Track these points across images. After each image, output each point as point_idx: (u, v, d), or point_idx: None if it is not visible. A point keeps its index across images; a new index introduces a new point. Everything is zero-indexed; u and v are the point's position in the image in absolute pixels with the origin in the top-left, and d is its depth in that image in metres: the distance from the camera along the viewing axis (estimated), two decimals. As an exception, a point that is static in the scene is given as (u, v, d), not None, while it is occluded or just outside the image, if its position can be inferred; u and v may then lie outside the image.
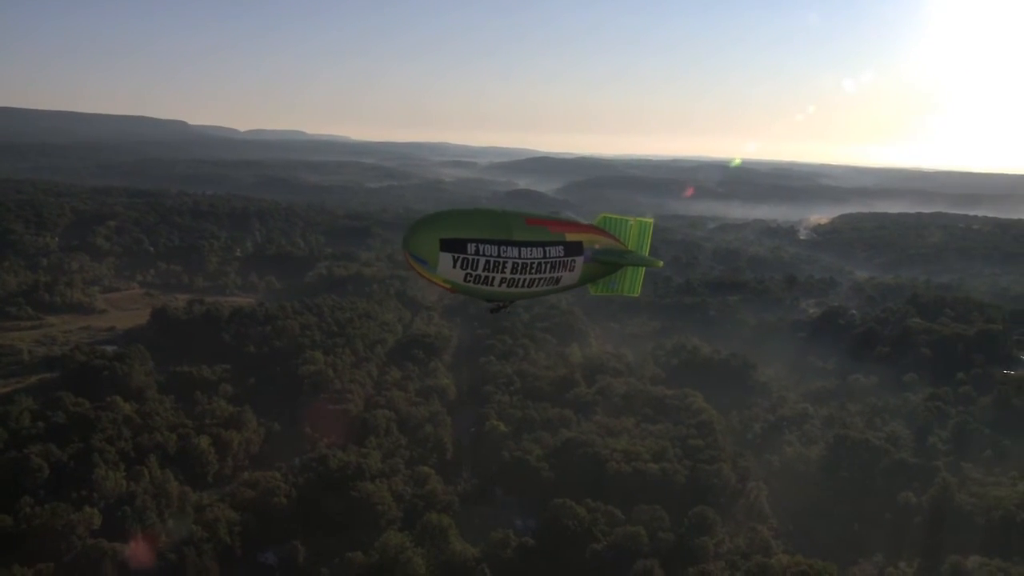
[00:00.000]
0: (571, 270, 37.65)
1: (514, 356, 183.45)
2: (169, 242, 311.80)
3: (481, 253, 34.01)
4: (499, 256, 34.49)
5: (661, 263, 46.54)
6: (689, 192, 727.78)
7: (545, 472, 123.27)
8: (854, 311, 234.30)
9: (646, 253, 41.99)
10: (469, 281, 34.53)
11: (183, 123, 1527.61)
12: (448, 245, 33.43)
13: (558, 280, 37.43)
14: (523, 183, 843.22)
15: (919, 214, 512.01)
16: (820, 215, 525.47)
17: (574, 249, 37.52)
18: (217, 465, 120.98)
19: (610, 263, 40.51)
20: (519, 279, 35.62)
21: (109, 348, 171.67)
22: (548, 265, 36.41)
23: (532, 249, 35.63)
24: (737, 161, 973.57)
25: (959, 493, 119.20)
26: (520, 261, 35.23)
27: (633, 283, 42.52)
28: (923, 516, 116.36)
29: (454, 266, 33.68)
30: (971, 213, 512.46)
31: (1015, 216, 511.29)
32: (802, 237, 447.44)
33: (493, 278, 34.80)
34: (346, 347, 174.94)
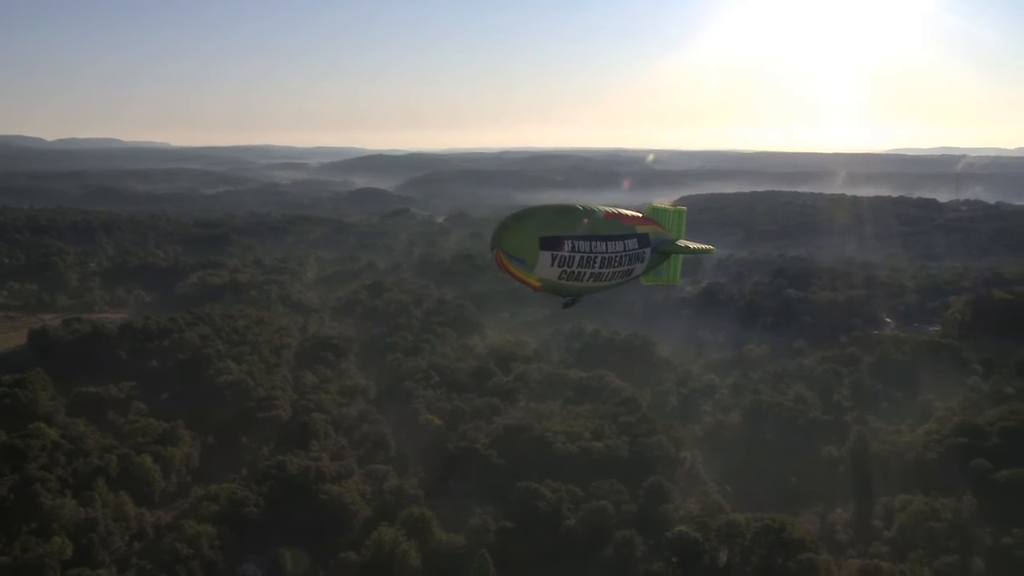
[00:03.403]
0: (642, 261, 38.59)
1: (421, 351, 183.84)
2: (14, 260, 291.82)
3: (577, 250, 34.44)
4: (591, 252, 35.03)
5: (714, 249, 48.99)
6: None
7: (495, 459, 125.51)
8: (730, 286, 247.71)
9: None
10: (563, 278, 34.85)
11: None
12: (547, 243, 33.66)
13: (631, 272, 38.33)
14: (361, 182, 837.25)
15: (753, 192, 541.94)
16: (662, 198, 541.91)
17: (644, 241, 38.41)
18: (163, 483, 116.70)
19: (667, 252, 41.41)
20: (604, 273, 36.25)
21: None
22: (627, 258, 37.23)
23: (616, 243, 36.44)
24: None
25: (873, 442, 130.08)
26: (607, 255, 35.93)
27: (675, 271, 43.30)
28: (846, 466, 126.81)
29: (552, 264, 33.94)
30: (798, 190, 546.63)
31: (836, 191, 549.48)
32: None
33: (584, 273, 35.25)
34: (254, 354, 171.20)
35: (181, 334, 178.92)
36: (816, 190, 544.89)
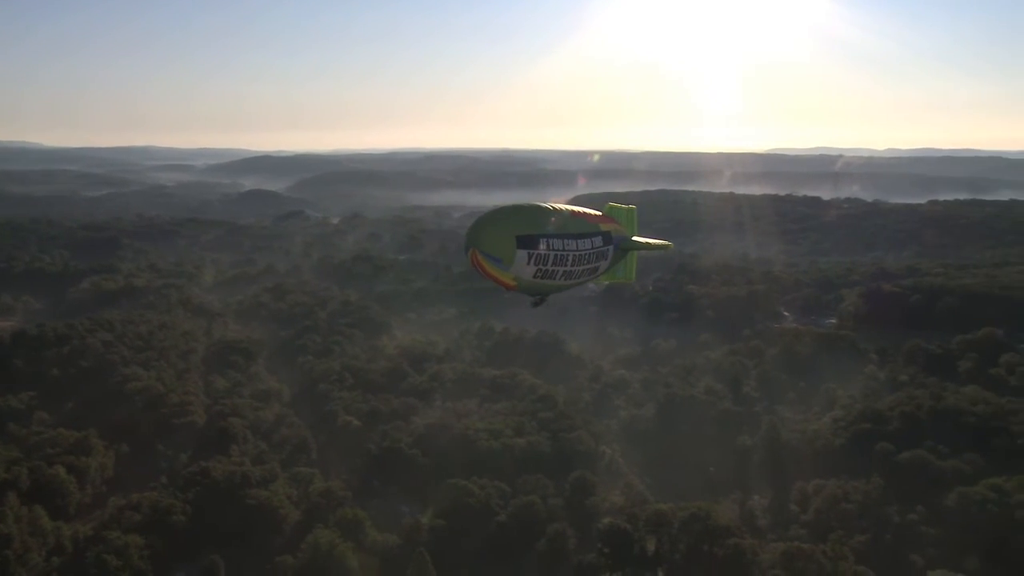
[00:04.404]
0: (606, 259, 39.53)
1: (332, 353, 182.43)
2: None
3: (551, 248, 35.07)
4: (563, 250, 35.72)
5: (671, 244, 50.43)
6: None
7: (419, 458, 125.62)
8: (632, 283, 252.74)
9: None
10: (538, 276, 35.39)
11: None
12: (523, 242, 34.11)
13: (597, 269, 39.18)
14: (249, 183, 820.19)
15: (645, 191, 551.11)
16: (556, 198, 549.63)
17: (608, 239, 39.34)
18: (78, 495, 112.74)
19: (627, 249, 42.49)
20: (575, 271, 37.02)
21: None
22: (595, 255, 38.05)
23: (584, 241, 37.20)
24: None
25: (784, 431, 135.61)
26: (578, 253, 36.69)
27: (630, 268, 44.46)
28: (760, 455, 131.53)
29: (528, 263, 34.42)
30: (687, 188, 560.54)
31: (724, 189, 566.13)
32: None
33: (557, 271, 35.89)
34: (161, 360, 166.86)
35: (82, 341, 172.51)
36: (704, 189, 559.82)
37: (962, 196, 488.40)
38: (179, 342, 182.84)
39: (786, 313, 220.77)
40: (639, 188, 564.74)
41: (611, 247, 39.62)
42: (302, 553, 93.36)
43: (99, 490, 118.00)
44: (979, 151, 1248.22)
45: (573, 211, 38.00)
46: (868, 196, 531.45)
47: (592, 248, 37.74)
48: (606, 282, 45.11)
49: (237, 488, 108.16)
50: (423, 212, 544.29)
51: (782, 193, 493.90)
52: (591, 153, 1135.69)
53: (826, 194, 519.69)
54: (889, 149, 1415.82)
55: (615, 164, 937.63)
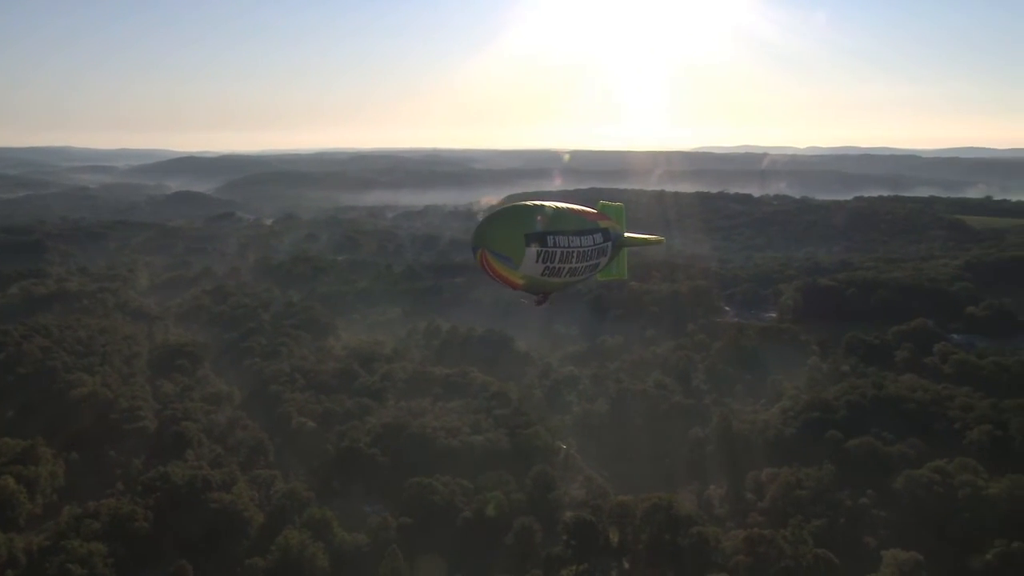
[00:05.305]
0: (605, 255, 39.91)
1: (279, 355, 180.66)
2: None
3: (557, 245, 35.44)
4: (568, 246, 36.07)
5: (663, 239, 51.35)
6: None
7: (379, 457, 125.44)
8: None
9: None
10: (545, 274, 35.69)
11: None
12: (532, 240, 34.38)
13: (597, 265, 39.55)
14: (175, 185, 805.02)
15: (577, 189, 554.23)
16: (490, 196, 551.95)
17: (607, 235, 39.73)
18: (29, 505, 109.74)
19: (622, 246, 42.80)
20: (579, 268, 37.30)
21: None
22: (596, 252, 38.41)
23: (586, 237, 37.50)
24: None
25: (735, 422, 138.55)
26: (582, 250, 36.99)
27: (622, 265, 44.29)
28: (713, 446, 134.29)
29: (536, 260, 34.67)
30: (618, 187, 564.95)
31: (655, 187, 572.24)
32: (481, 218, 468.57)
33: (562, 268, 36.18)
34: (105, 365, 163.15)
35: (17, 347, 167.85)
36: (635, 187, 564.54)
37: (884, 193, 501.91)
38: (122, 346, 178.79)
39: (727, 308, 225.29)
40: (571, 187, 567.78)
41: (610, 243, 40.04)
42: (272, 555, 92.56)
43: (50, 500, 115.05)
44: (896, 149, 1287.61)
45: (572, 208, 38.41)
46: (795, 193, 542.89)
47: (594, 245, 38.16)
48: (601, 279, 44.87)
49: (199, 492, 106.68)
50: (356, 212, 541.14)
51: (713, 191, 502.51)
52: (532, 151, 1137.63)
53: (755, 191, 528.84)
54: (810, 147, 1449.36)
55: (544, 164, 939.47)
